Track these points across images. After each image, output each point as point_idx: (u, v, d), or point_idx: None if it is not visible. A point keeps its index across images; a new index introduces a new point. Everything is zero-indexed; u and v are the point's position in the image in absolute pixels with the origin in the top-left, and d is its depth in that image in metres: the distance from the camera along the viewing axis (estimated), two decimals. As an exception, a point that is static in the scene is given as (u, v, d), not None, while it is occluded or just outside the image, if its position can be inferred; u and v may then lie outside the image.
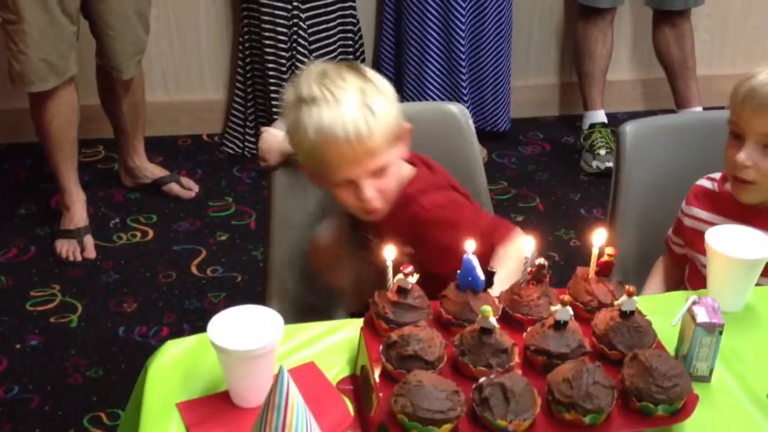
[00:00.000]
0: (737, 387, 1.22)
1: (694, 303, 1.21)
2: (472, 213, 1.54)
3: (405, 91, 3.20)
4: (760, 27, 3.60)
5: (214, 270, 2.70)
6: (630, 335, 1.17)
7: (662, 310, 1.29)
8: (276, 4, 3.00)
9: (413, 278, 1.20)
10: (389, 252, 1.20)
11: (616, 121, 3.39)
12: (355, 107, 1.39)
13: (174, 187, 3.03)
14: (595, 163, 3.19)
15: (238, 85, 3.22)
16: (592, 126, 3.27)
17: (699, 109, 3.29)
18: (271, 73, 3.08)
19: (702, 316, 1.19)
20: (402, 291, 1.21)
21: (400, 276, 1.20)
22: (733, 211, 1.56)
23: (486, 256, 1.45)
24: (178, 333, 2.43)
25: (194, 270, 2.70)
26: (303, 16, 3.01)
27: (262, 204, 3.00)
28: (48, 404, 2.21)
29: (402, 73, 3.21)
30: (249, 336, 1.15)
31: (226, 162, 3.25)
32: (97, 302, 2.56)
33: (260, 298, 2.53)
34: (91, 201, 2.86)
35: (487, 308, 1.13)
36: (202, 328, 2.42)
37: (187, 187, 3.05)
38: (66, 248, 2.71)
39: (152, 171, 3.04)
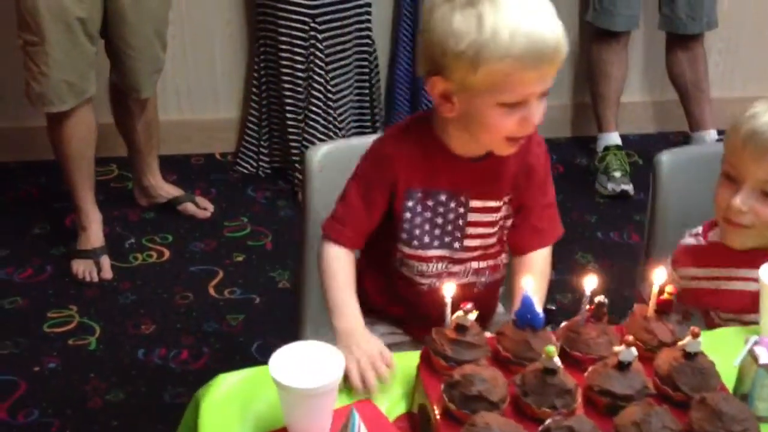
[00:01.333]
0: (797, 427, 1.21)
1: (755, 343, 1.20)
2: None
3: (421, 109, 3.20)
4: (772, 50, 3.62)
5: (231, 291, 2.67)
6: (694, 377, 1.16)
7: (716, 345, 1.27)
8: (293, 24, 2.99)
9: (473, 315, 1.19)
10: (448, 289, 1.19)
11: (628, 142, 3.40)
12: (548, 12, 1.25)
13: (189, 207, 3.01)
14: (610, 186, 3.19)
15: (252, 104, 3.21)
16: (607, 148, 3.27)
17: (713, 131, 3.30)
18: (287, 93, 3.07)
19: (764, 357, 1.18)
20: (461, 328, 1.19)
21: (459, 313, 1.19)
22: (723, 260, 1.53)
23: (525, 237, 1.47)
24: (197, 356, 2.41)
25: (212, 291, 2.67)
26: (320, 36, 3.01)
27: (278, 224, 3.00)
28: (68, 428, 2.19)
29: (418, 95, 3.20)
30: (311, 373, 1.14)
31: (240, 181, 3.23)
32: (115, 324, 2.53)
33: (287, 322, 2.53)
34: (106, 220, 2.83)
35: (552, 348, 1.12)
36: (222, 351, 2.44)
37: (202, 207, 3.03)
38: (83, 269, 2.68)
39: (167, 190, 3.02)
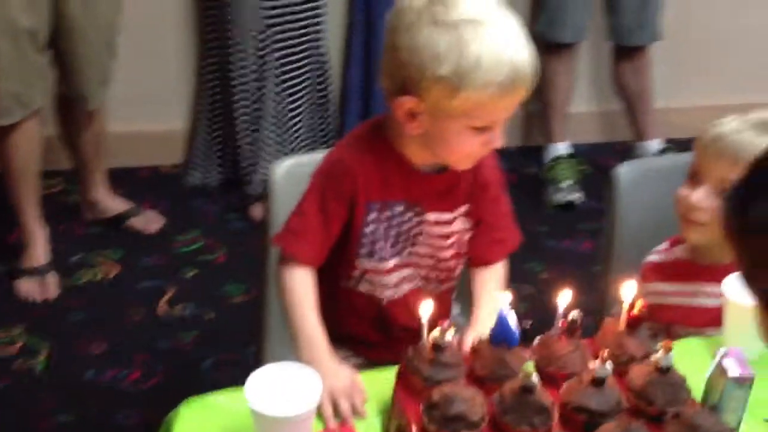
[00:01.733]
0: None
1: (724, 356, 1.22)
2: None
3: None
4: (715, 61, 3.71)
5: (184, 308, 2.62)
6: (667, 391, 1.17)
7: (678, 357, 1.28)
8: (245, 35, 2.94)
9: (450, 334, 1.18)
10: (425, 307, 1.18)
11: (576, 151, 3.44)
12: (525, 39, 1.24)
13: (138, 221, 2.95)
14: (560, 196, 3.22)
15: (202, 115, 3.16)
16: (555, 158, 3.31)
17: (657, 141, 3.36)
18: (238, 104, 3.03)
19: (733, 369, 1.20)
20: (438, 348, 1.18)
21: (436, 332, 1.18)
22: (689, 275, 1.56)
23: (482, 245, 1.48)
24: (150, 375, 2.36)
25: (164, 308, 2.62)
26: (273, 47, 2.97)
27: (231, 237, 2.95)
28: (17, 454, 2.12)
29: (370, 105, 3.19)
30: (288, 397, 1.12)
31: (190, 194, 3.17)
32: (64, 344, 2.45)
33: (242, 338, 2.49)
34: (52, 236, 2.75)
35: (530, 366, 1.12)
36: (175, 370, 2.38)
37: (151, 221, 2.96)
38: (28, 288, 2.60)
39: (115, 204, 2.95)
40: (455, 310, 1.66)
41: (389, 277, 1.44)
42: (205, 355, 2.43)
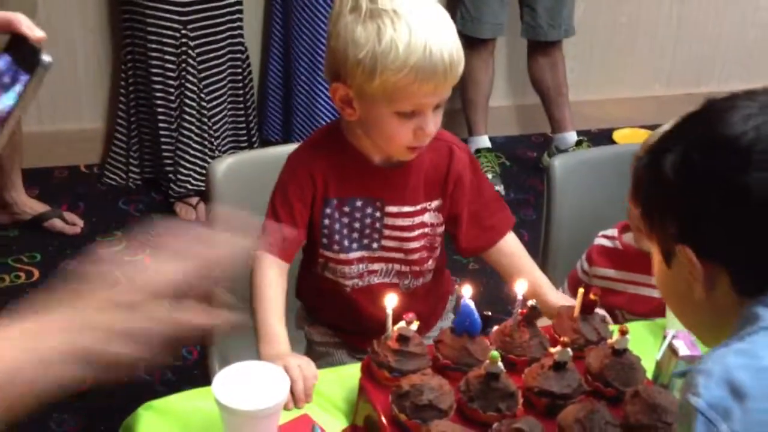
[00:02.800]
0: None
1: (674, 336, 1.27)
2: None
3: (294, 118, 3.18)
4: (621, 55, 3.85)
5: (111, 310, 2.55)
6: (624, 372, 1.22)
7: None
8: (164, 32, 2.89)
9: (414, 325, 1.20)
10: (390, 300, 1.19)
11: (495, 144, 3.51)
12: (449, 29, 1.30)
13: (57, 223, 2.86)
14: (482, 188, 3.28)
15: (120, 113, 3.08)
16: (478, 151, 3.37)
17: (573, 132, 3.47)
18: (158, 102, 2.97)
19: (683, 349, 1.26)
20: (403, 339, 1.20)
21: (401, 323, 1.20)
22: (639, 265, 1.60)
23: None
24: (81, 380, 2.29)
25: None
26: (192, 44, 2.93)
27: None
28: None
29: (291, 101, 3.18)
30: (256, 393, 1.11)
31: (110, 194, 3.10)
32: (-14, 352, 2.36)
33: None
34: (-34, 240, 2.66)
35: (496, 353, 1.15)
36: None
37: (71, 222, 2.88)
38: (-56, 294, 2.49)
39: (31, 206, 2.86)
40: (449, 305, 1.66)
41: (351, 267, 1.47)
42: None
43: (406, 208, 1.45)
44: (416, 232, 1.47)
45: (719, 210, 0.88)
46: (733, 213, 0.87)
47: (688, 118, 0.95)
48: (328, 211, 1.44)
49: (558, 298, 1.45)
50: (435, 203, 1.47)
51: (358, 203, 1.44)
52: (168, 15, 2.87)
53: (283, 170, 1.47)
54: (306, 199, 1.43)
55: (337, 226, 1.45)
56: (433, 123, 1.34)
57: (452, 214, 1.49)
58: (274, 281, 1.40)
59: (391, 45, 1.26)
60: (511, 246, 1.52)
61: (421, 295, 1.52)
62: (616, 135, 3.75)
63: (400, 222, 1.46)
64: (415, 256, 1.48)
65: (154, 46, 2.90)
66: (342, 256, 1.46)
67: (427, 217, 1.47)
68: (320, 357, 1.55)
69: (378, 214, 1.44)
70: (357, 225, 1.45)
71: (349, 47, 1.29)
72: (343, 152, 1.43)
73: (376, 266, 1.48)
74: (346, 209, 1.44)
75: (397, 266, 1.49)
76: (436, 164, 1.45)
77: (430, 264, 1.51)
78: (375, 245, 1.46)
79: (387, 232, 1.46)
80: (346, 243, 1.45)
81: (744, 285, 0.89)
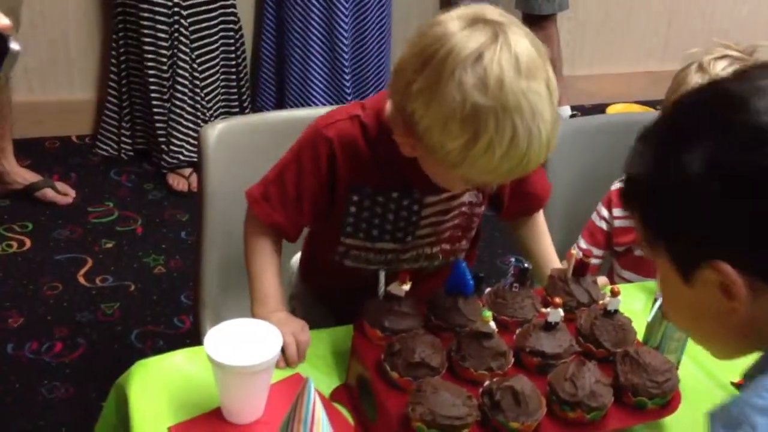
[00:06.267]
0: (704, 376, 1.30)
1: (665, 299, 1.28)
2: None
3: (287, 89, 3.17)
4: (616, 30, 3.84)
5: (104, 279, 2.56)
6: (615, 333, 1.22)
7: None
8: (156, 0, 2.87)
9: (406, 286, 1.20)
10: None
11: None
12: (551, 123, 1.10)
13: (48, 193, 2.85)
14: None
15: (111, 84, 3.06)
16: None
17: (567, 107, 3.47)
18: (150, 72, 2.95)
19: (674, 311, 1.26)
20: (395, 298, 1.20)
21: (394, 284, 1.20)
22: None
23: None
24: (73, 348, 2.30)
25: (82, 280, 2.55)
26: (184, 13, 2.91)
27: (147, 208, 2.89)
28: (-64, 433, 2.03)
29: (284, 71, 3.17)
30: (248, 350, 1.11)
31: (102, 164, 3.09)
32: (-22, 319, 2.37)
33: (167, 308, 2.45)
34: (-43, 209, 2.65)
35: (489, 313, 1.15)
36: (100, 342, 2.33)
37: (62, 192, 2.87)
38: (-64, 262, 2.49)
39: (23, 176, 2.85)
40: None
41: (378, 255, 1.35)
42: (129, 325, 2.38)
43: (446, 194, 1.32)
44: (451, 214, 1.35)
45: (765, 215, 0.73)
46: None
47: (701, 106, 0.80)
48: (355, 198, 1.30)
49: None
50: None
51: (395, 194, 1.30)
52: (160, -15, 2.85)
53: (305, 136, 1.30)
54: (323, 180, 1.28)
55: (366, 214, 1.31)
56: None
57: (497, 191, 1.39)
58: (269, 249, 1.34)
59: (488, 148, 1.08)
60: (539, 227, 1.49)
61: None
62: (610, 110, 3.76)
63: (437, 208, 1.33)
64: (446, 235, 1.37)
65: (145, 15, 2.89)
66: (368, 244, 1.34)
67: (466, 197, 1.35)
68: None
69: (416, 207, 1.31)
70: (391, 217, 1.31)
71: (437, 127, 1.10)
72: (383, 138, 1.25)
73: (406, 255, 1.37)
74: (380, 199, 1.30)
75: (428, 250, 1.38)
76: None
77: (464, 244, 1.41)
78: (409, 238, 1.34)
79: (423, 222, 1.33)
80: (375, 233, 1.33)
81: None
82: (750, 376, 0.81)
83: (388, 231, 1.33)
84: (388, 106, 1.23)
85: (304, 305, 1.54)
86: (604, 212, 1.73)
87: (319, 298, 1.53)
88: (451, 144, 1.09)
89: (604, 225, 1.73)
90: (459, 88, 1.07)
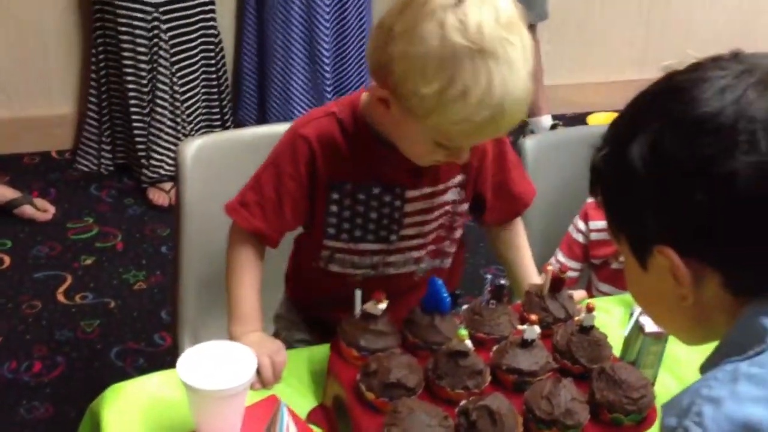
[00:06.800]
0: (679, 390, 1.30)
1: (641, 313, 1.28)
2: None
3: (269, 102, 3.16)
4: (595, 39, 3.86)
5: (83, 296, 2.54)
6: (591, 349, 1.22)
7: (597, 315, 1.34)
8: (135, 14, 2.86)
9: (383, 304, 1.19)
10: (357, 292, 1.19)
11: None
12: (528, 75, 1.12)
13: (27, 210, 2.83)
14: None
15: (91, 98, 3.05)
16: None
17: (548, 116, 3.47)
18: (130, 86, 2.94)
19: (650, 326, 1.26)
20: (371, 317, 1.20)
21: (370, 302, 1.19)
22: None
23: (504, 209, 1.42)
24: (52, 367, 2.28)
25: (61, 298, 2.53)
26: (163, 27, 2.90)
27: (127, 223, 2.88)
28: None
29: (266, 84, 3.16)
30: (222, 373, 1.10)
31: (82, 180, 3.07)
32: (-44, 338, 2.34)
33: (147, 325, 2.43)
34: (-65, 227, 2.62)
35: (464, 331, 1.15)
36: (79, 360, 2.31)
37: (42, 209, 2.85)
38: None
39: (2, 193, 2.83)
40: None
41: (363, 258, 1.34)
42: (109, 343, 2.37)
43: (427, 189, 1.32)
44: (436, 213, 1.34)
45: (703, 201, 0.75)
46: (719, 205, 0.74)
47: (650, 99, 0.82)
48: (335, 196, 1.29)
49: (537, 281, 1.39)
50: (458, 179, 1.34)
51: (375, 191, 1.29)
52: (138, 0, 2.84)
53: (281, 141, 1.29)
54: (303, 180, 1.28)
55: (347, 213, 1.30)
56: (468, 154, 1.23)
57: (479, 189, 1.37)
58: (250, 261, 1.32)
59: (463, 94, 1.09)
60: (513, 230, 1.46)
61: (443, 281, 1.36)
62: (591, 119, 3.77)
63: (420, 205, 1.32)
64: (431, 237, 1.36)
65: (125, 29, 2.88)
66: (352, 245, 1.33)
67: (449, 196, 1.34)
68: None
69: (398, 203, 1.30)
70: (374, 215, 1.31)
71: (412, 72, 1.10)
72: (360, 132, 1.26)
73: (393, 258, 1.35)
74: (361, 197, 1.29)
75: (415, 253, 1.36)
76: None
77: (447, 245, 1.40)
78: (393, 237, 1.33)
79: (407, 221, 1.32)
80: (358, 233, 1.32)
81: (738, 283, 0.79)
82: (704, 368, 0.82)
83: (371, 230, 1.32)
84: (364, 96, 1.24)
85: (288, 329, 1.52)
86: (581, 225, 1.73)
87: (303, 316, 1.51)
88: (426, 89, 1.10)
89: (580, 238, 1.73)
90: (439, 28, 1.08)
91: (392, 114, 1.18)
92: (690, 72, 0.80)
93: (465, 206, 1.38)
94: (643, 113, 0.81)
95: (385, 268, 1.36)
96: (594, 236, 1.71)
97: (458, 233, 1.41)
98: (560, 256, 1.74)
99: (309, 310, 1.50)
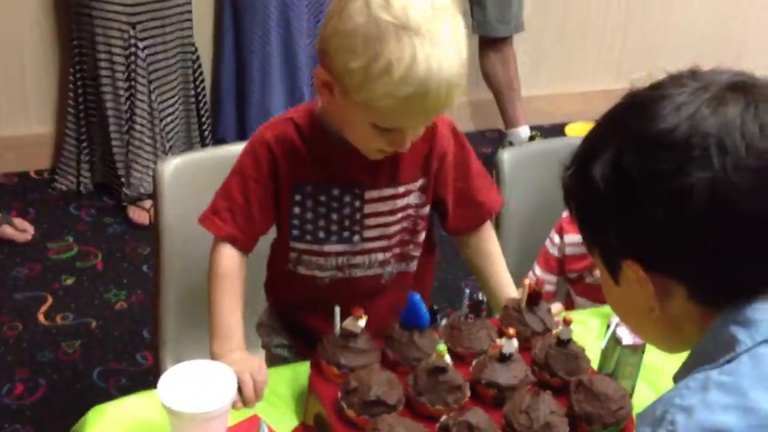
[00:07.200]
0: (659, 400, 1.31)
1: (617, 325, 1.29)
2: None
3: (249, 115, 3.17)
4: (571, 49, 3.89)
5: (64, 317, 2.53)
6: (569, 362, 1.23)
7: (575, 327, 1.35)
8: (112, 33, 2.86)
9: (362, 321, 1.20)
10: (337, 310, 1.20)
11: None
12: (459, 54, 1.15)
13: (6, 230, 2.82)
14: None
15: (69, 117, 3.04)
16: (431, 148, 3.38)
17: (526, 127, 3.50)
18: (108, 104, 2.94)
19: (626, 338, 1.28)
20: (351, 335, 1.20)
21: (349, 319, 1.20)
22: None
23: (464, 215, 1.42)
24: (33, 389, 2.27)
25: (42, 319, 2.52)
26: (141, 45, 2.90)
27: (108, 242, 2.87)
28: None
29: (244, 100, 3.17)
30: (203, 394, 1.11)
31: (61, 199, 3.06)
32: (-65, 362, 2.33)
33: (129, 344, 2.43)
34: None
35: (443, 347, 1.16)
36: (61, 381, 2.30)
37: (21, 229, 2.84)
38: None
39: (-20, 213, 2.82)
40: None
41: (329, 259, 1.37)
42: (90, 363, 2.36)
43: (388, 191, 1.34)
44: (398, 216, 1.37)
45: (661, 218, 0.77)
46: (677, 219, 0.76)
47: (612, 117, 0.84)
48: (297, 198, 1.33)
49: (514, 294, 1.40)
50: (419, 182, 1.37)
51: (335, 191, 1.32)
52: (116, 16, 2.85)
53: (245, 148, 1.34)
54: (267, 183, 1.32)
55: (309, 215, 1.34)
56: (410, 140, 1.24)
57: (438, 193, 1.39)
58: (231, 272, 1.33)
59: (387, 69, 1.12)
60: (483, 240, 1.46)
61: (410, 285, 1.42)
62: (569, 129, 3.80)
63: (381, 207, 1.35)
64: (396, 240, 1.38)
65: (102, 48, 2.87)
66: (316, 247, 1.36)
67: (411, 199, 1.37)
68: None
69: (357, 203, 1.33)
70: (335, 216, 1.34)
71: (343, 48, 1.15)
72: (316, 133, 1.31)
73: (357, 260, 1.38)
74: (322, 198, 1.33)
75: (380, 255, 1.39)
76: (420, 141, 1.29)
77: (412, 248, 1.42)
78: (356, 238, 1.36)
79: (368, 222, 1.35)
80: (321, 234, 1.35)
81: (702, 295, 0.81)
82: (677, 378, 0.84)
83: (334, 232, 1.35)
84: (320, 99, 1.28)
85: (269, 335, 1.53)
86: (556, 239, 1.74)
87: (284, 322, 1.52)
88: (354, 63, 1.14)
89: (556, 252, 1.74)
90: (365, 6, 1.14)
91: (335, 99, 1.22)
92: (649, 90, 0.82)
93: (426, 209, 1.40)
94: (605, 132, 0.83)
95: (351, 270, 1.38)
96: (569, 250, 1.72)
97: (421, 237, 1.43)
98: (537, 270, 1.75)
99: (287, 316, 1.52)
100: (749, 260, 0.78)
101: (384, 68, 1.12)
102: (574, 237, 1.70)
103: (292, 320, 1.50)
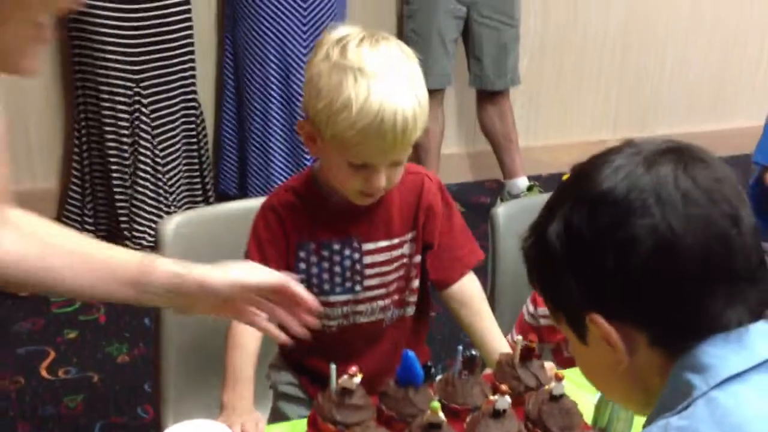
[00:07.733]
0: (652, 453, 1.33)
1: (609, 379, 1.31)
2: None
3: (249, 170, 3.22)
4: (567, 101, 3.96)
5: (66, 371, 2.55)
6: (562, 417, 1.25)
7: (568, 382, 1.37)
8: (116, 90, 2.93)
9: (357, 378, 1.23)
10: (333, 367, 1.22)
11: (449, 191, 3.56)
12: (412, 92, 1.32)
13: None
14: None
15: (74, 172, 3.09)
16: (430, 199, 3.42)
17: (524, 178, 3.54)
18: (112, 160, 2.99)
19: (619, 391, 1.30)
20: (346, 392, 1.23)
21: (345, 377, 1.23)
22: None
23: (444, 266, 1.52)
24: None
25: (44, 373, 2.53)
26: (145, 101, 2.96)
27: (111, 296, 2.89)
28: None
29: (246, 156, 3.22)
30: (201, 454, 1.13)
31: (65, 253, 3.09)
32: (-62, 418, 2.34)
33: (130, 399, 2.44)
34: None
35: (437, 404, 1.18)
36: (63, 438, 2.30)
37: (25, 283, 2.86)
38: None
39: (-16, 268, 2.84)
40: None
41: (335, 309, 1.49)
42: (92, 418, 2.37)
43: (383, 243, 1.48)
44: (394, 265, 1.50)
45: (613, 266, 0.83)
46: (627, 265, 0.83)
47: (564, 186, 0.93)
48: (302, 254, 1.46)
49: (505, 347, 1.46)
50: (410, 234, 1.50)
51: (336, 246, 1.46)
52: (120, 73, 2.91)
53: (257, 216, 1.49)
54: (279, 243, 1.45)
55: (315, 270, 1.47)
56: (384, 179, 1.37)
57: (425, 245, 1.51)
58: (248, 329, 1.38)
59: (346, 104, 1.30)
60: (467, 293, 1.53)
61: (409, 328, 1.55)
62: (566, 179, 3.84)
63: (379, 258, 1.48)
64: (393, 287, 1.51)
65: (106, 104, 2.93)
66: (323, 298, 1.45)
67: (405, 249, 1.50)
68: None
69: (357, 255, 1.47)
70: (338, 269, 1.47)
71: (312, 93, 1.35)
72: (315, 196, 1.46)
73: (361, 308, 1.50)
74: (325, 253, 1.46)
75: (381, 302, 1.51)
76: (409, 196, 1.48)
77: (408, 294, 1.54)
78: (358, 287, 1.48)
79: (368, 272, 1.48)
80: (327, 287, 1.47)
81: (662, 341, 0.85)
82: (644, 428, 0.87)
83: (338, 283, 1.48)
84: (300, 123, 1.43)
85: (278, 372, 1.61)
86: (531, 308, 1.73)
87: (293, 364, 1.59)
88: (320, 104, 1.32)
89: (532, 321, 1.74)
90: (325, 57, 1.34)
91: (318, 146, 1.38)
92: (593, 159, 0.91)
93: (418, 258, 1.52)
94: (557, 200, 0.92)
95: (356, 317, 1.51)
96: (543, 321, 1.70)
97: (415, 283, 1.54)
98: (515, 335, 1.71)
99: (297, 359, 1.60)
100: (696, 297, 0.83)
101: (343, 104, 1.30)
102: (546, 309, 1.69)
103: (303, 363, 1.59)
